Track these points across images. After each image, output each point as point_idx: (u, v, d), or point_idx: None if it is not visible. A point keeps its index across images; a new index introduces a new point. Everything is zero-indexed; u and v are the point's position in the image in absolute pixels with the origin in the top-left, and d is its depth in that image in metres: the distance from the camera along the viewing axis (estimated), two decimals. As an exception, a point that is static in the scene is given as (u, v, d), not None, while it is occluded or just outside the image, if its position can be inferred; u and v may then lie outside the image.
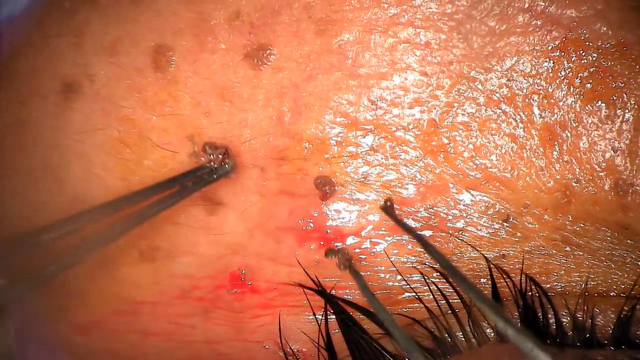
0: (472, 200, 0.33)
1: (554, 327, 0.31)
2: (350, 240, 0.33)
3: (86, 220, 0.30)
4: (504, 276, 0.32)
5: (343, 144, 0.32)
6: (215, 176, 0.33)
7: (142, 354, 0.36)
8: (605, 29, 0.31)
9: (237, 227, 0.34)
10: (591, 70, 0.31)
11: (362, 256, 0.33)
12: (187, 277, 0.34)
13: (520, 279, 0.32)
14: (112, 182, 0.34)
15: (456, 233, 0.33)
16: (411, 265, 0.33)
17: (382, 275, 0.33)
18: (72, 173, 0.34)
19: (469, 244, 0.33)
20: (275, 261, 0.34)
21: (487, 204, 0.33)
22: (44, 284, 0.30)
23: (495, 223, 0.32)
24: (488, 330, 0.31)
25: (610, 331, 0.31)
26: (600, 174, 0.31)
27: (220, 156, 0.33)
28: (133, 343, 0.36)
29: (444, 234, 0.33)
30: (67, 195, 0.34)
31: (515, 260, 0.33)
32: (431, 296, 0.32)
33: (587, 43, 0.31)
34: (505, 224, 0.32)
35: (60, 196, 0.34)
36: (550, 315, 0.31)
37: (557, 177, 0.32)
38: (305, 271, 0.33)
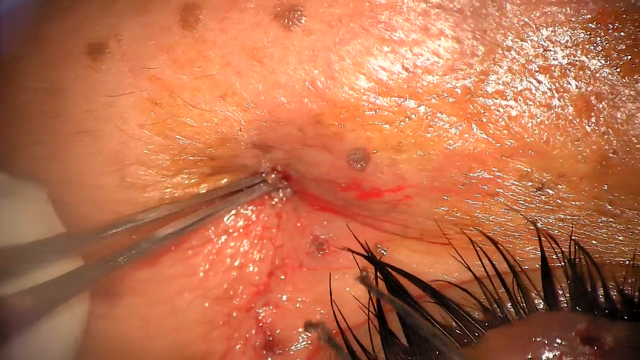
0: (507, 168, 0.32)
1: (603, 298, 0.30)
2: (386, 197, 0.33)
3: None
4: (553, 245, 0.31)
5: (377, 110, 0.32)
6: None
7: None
8: None
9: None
10: (628, 42, 0.31)
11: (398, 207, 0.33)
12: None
13: (570, 248, 0.31)
14: (153, 139, 0.33)
15: (490, 198, 0.32)
16: (449, 218, 0.33)
17: (419, 219, 0.33)
18: (108, 134, 0.34)
19: (510, 207, 0.32)
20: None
21: (522, 173, 0.32)
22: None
23: (530, 191, 0.32)
24: (537, 301, 0.31)
25: None
26: (638, 146, 0.31)
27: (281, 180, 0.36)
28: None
29: (478, 195, 0.32)
30: (106, 155, 0.34)
31: (549, 227, 0.32)
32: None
33: (624, 16, 0.31)
34: (539, 192, 0.32)
35: (98, 157, 0.34)
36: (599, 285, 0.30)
37: (594, 147, 0.31)
38: (357, 238, 0.34)
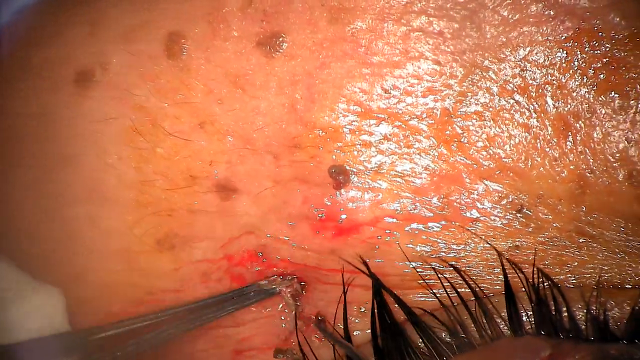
0: (485, 190, 0.32)
1: (568, 320, 0.30)
2: (364, 230, 0.33)
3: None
4: (516, 270, 0.31)
5: (356, 132, 0.32)
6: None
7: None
8: (618, 19, 0.31)
9: (251, 210, 0.33)
10: (604, 61, 0.31)
11: (376, 245, 0.33)
12: (207, 261, 0.34)
13: (533, 272, 0.31)
14: (126, 171, 0.34)
15: (469, 223, 0.32)
16: (425, 254, 0.33)
17: (397, 262, 0.33)
18: (88, 163, 0.34)
19: (481, 237, 0.32)
20: (289, 245, 0.34)
21: (500, 194, 0.32)
22: None
23: (508, 213, 0.32)
24: (502, 325, 0.31)
25: (625, 325, 0.30)
26: (614, 164, 0.31)
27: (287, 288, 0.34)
28: None
29: (457, 223, 0.32)
30: (84, 185, 0.34)
31: (529, 251, 0.32)
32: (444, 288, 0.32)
33: (600, 34, 0.31)
34: (518, 214, 0.32)
35: (76, 186, 0.35)
36: (564, 309, 0.31)
37: (571, 167, 0.31)
38: (362, 258, 0.33)
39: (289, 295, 0.34)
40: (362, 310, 0.34)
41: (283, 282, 0.35)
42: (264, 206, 0.34)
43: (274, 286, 0.34)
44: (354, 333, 0.34)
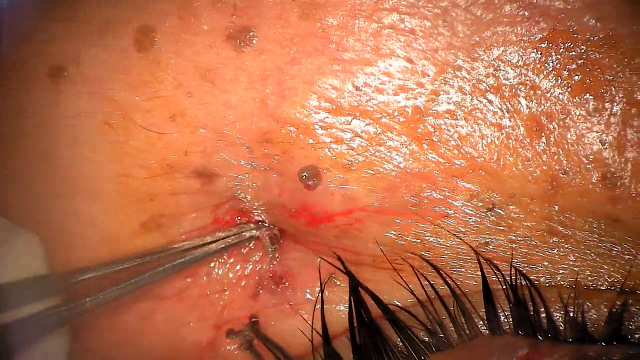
0: (457, 188, 0.32)
1: (547, 321, 0.30)
2: (336, 219, 0.33)
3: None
4: (495, 270, 0.31)
5: (328, 129, 0.32)
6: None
7: (152, 324, 0.36)
8: (594, 21, 0.31)
9: (233, 188, 0.34)
10: (579, 62, 0.31)
11: (349, 231, 0.34)
12: (197, 230, 0.35)
13: (510, 272, 0.31)
14: (103, 164, 0.34)
15: (441, 219, 0.32)
16: (397, 243, 0.33)
17: (369, 244, 0.33)
18: (64, 157, 0.34)
19: (452, 233, 0.32)
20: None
21: (472, 193, 0.32)
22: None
23: (479, 211, 0.32)
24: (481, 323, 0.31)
25: (603, 326, 0.30)
26: (588, 166, 0.31)
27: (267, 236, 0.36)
28: (143, 313, 0.35)
29: (428, 218, 0.32)
30: (61, 179, 0.34)
31: (500, 249, 0.32)
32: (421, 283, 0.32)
33: (576, 35, 0.31)
34: (489, 212, 0.32)
35: (54, 180, 0.34)
36: (542, 309, 0.30)
37: (544, 167, 0.31)
38: (340, 260, 0.33)
39: (267, 238, 0.35)
40: (337, 282, 0.35)
41: (263, 227, 0.36)
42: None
43: (254, 230, 0.36)
44: (325, 293, 0.34)
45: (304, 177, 0.32)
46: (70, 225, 0.34)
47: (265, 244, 0.36)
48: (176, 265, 0.35)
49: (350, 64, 0.32)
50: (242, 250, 0.37)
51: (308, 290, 0.36)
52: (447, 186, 0.32)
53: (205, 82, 0.32)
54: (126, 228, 0.34)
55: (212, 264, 0.36)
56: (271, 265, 0.36)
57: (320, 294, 0.33)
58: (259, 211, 0.36)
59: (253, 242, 0.37)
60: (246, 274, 0.36)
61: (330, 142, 0.32)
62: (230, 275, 0.36)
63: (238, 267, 0.37)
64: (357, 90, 0.32)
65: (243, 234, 0.36)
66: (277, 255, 0.36)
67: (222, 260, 0.36)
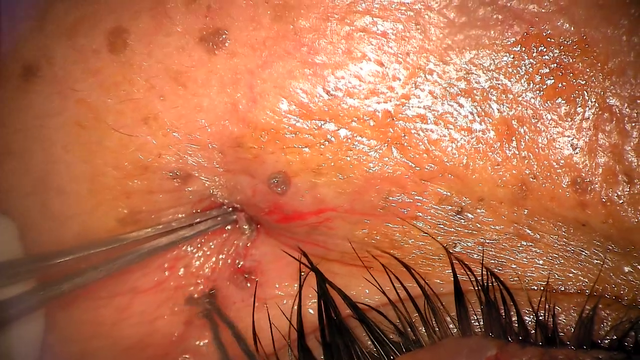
0: (426, 192, 0.32)
1: (517, 323, 0.31)
2: (307, 217, 0.34)
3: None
4: (468, 272, 0.31)
5: (298, 133, 0.32)
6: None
7: (127, 315, 0.36)
8: (567, 25, 0.30)
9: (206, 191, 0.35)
10: (552, 66, 0.31)
11: (318, 228, 0.34)
12: (178, 219, 0.35)
13: (482, 273, 0.31)
14: (75, 164, 0.34)
15: (409, 221, 0.33)
16: (369, 241, 0.33)
17: (338, 241, 0.34)
18: (35, 156, 0.34)
19: (425, 232, 0.33)
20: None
21: (441, 196, 0.32)
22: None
23: (449, 214, 0.32)
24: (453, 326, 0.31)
25: (573, 330, 0.30)
26: (558, 170, 0.31)
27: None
28: (120, 306, 0.36)
29: (397, 219, 0.33)
30: (33, 176, 0.34)
31: (469, 251, 0.32)
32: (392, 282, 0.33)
33: (549, 39, 0.31)
34: (458, 216, 0.32)
35: (26, 178, 0.34)
36: (512, 312, 0.31)
37: (514, 172, 0.31)
38: (306, 255, 0.34)
39: (244, 218, 0.36)
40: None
41: (240, 211, 0.37)
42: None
43: (232, 213, 0.36)
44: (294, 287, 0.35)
45: (273, 182, 0.33)
46: (45, 221, 0.35)
47: (242, 224, 0.36)
48: (153, 247, 0.35)
49: (321, 68, 0.32)
50: (218, 239, 0.37)
51: (277, 285, 0.36)
52: (416, 189, 0.32)
53: (177, 85, 0.32)
54: (102, 224, 0.34)
55: (187, 249, 0.37)
56: (245, 252, 0.37)
57: (298, 291, 0.34)
58: (237, 205, 0.36)
59: (229, 225, 0.37)
60: (220, 265, 0.37)
61: (300, 146, 0.32)
62: (206, 268, 0.37)
63: (214, 259, 0.37)
64: (327, 94, 0.32)
65: (220, 217, 0.37)
66: (254, 236, 0.37)
67: (200, 254, 0.37)
